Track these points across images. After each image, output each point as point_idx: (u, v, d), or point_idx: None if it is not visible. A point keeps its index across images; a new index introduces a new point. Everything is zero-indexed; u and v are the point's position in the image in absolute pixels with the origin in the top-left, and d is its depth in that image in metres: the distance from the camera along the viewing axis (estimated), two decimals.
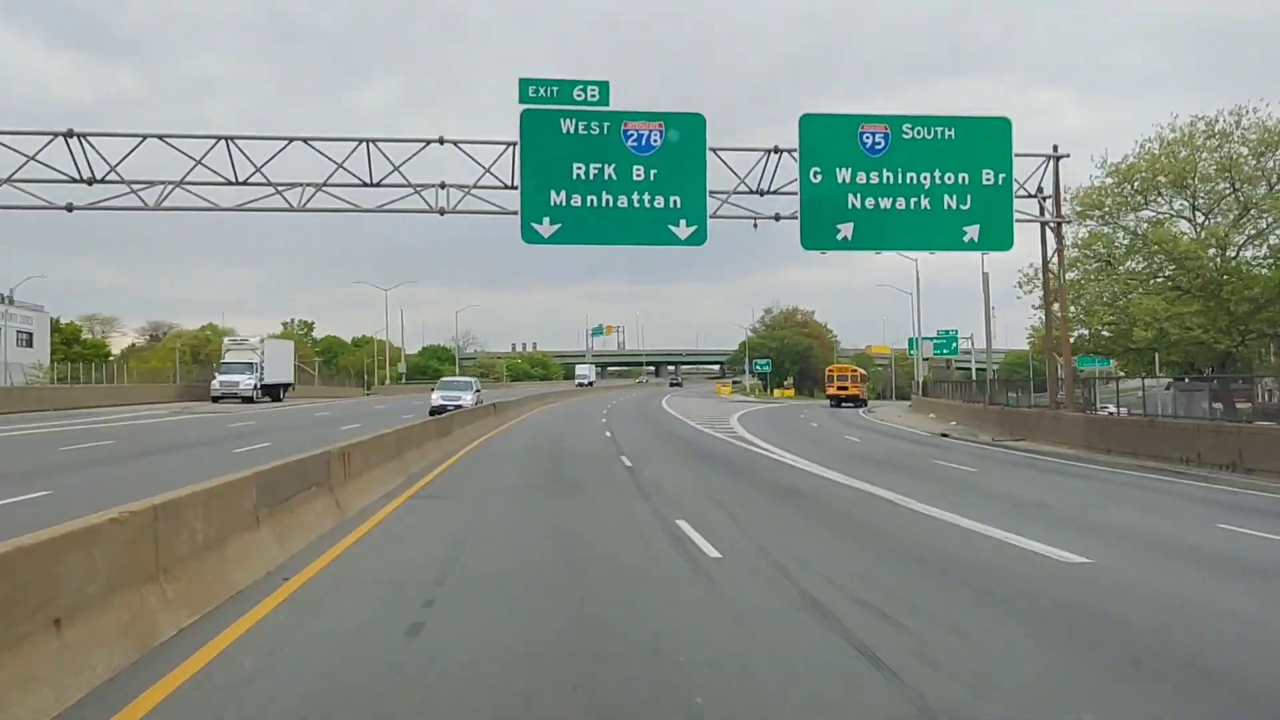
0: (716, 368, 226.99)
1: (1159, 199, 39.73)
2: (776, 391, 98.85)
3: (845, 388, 74.41)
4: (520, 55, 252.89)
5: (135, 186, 25.94)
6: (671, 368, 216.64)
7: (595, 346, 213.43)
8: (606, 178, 25.86)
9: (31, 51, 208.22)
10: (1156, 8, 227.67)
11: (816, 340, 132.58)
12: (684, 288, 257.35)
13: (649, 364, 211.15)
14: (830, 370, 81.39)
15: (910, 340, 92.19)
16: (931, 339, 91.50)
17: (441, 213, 27.64)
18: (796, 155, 26.59)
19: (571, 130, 26.09)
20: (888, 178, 26.48)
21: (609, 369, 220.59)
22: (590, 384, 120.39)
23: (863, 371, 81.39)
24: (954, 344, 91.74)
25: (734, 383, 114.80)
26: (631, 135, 25.91)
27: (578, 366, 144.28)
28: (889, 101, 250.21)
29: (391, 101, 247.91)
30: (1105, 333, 42.86)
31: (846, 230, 26.35)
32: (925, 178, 26.53)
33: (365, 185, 26.93)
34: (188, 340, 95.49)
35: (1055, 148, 30.87)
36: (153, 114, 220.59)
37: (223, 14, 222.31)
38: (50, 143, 25.09)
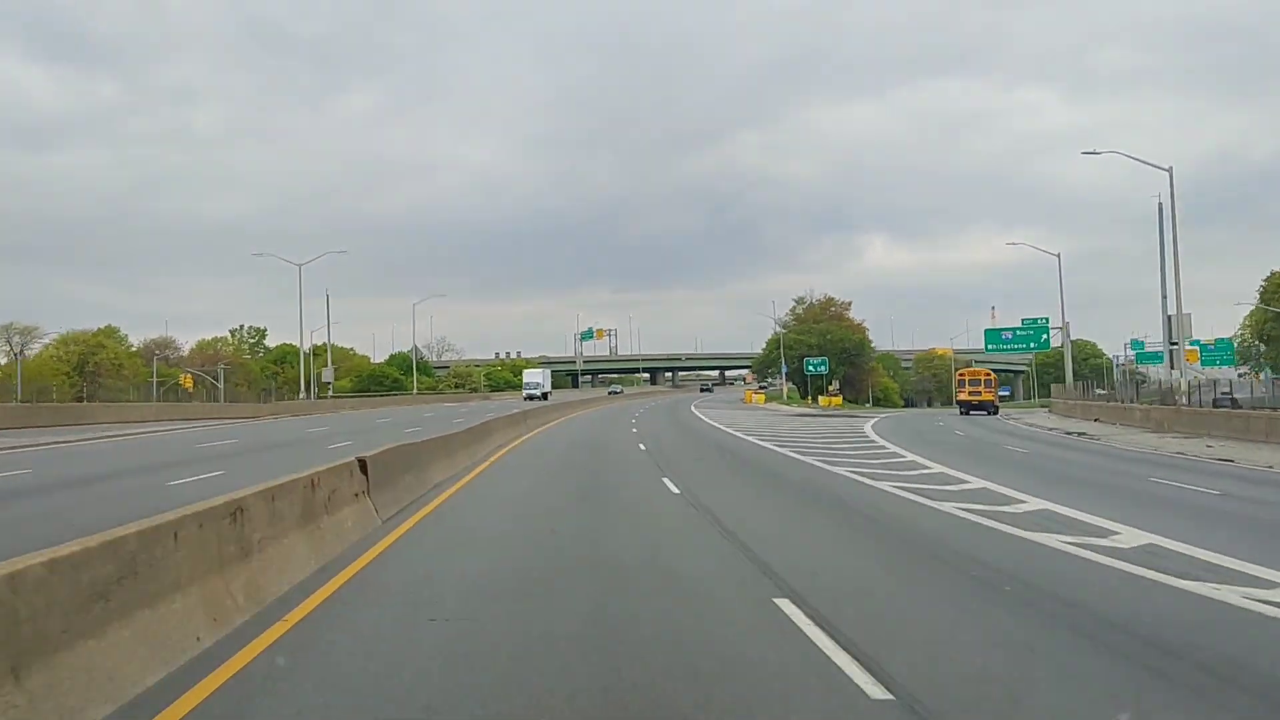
0: (716, 373, 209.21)
1: None
2: (821, 399, 79.39)
3: (978, 393, 67.12)
4: (504, 61, 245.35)
5: None
6: (669, 374, 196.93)
7: (585, 351, 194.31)
8: None
9: (6, 61, 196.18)
10: (1142, 5, 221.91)
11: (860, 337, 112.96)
12: (673, 295, 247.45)
13: (645, 369, 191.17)
14: (961, 374, 73.56)
15: (989, 334, 73.90)
16: (1013, 333, 72.99)
17: None
18: None
19: None
20: None
21: (600, 376, 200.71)
22: (544, 396, 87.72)
23: (994, 375, 73.17)
24: (1045, 336, 73.37)
25: (761, 387, 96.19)
26: None
27: (526, 373, 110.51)
28: (874, 103, 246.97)
29: (374, 108, 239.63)
30: None
31: None
32: None
33: None
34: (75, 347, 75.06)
35: None
36: (134, 123, 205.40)
37: (201, 22, 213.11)
38: None
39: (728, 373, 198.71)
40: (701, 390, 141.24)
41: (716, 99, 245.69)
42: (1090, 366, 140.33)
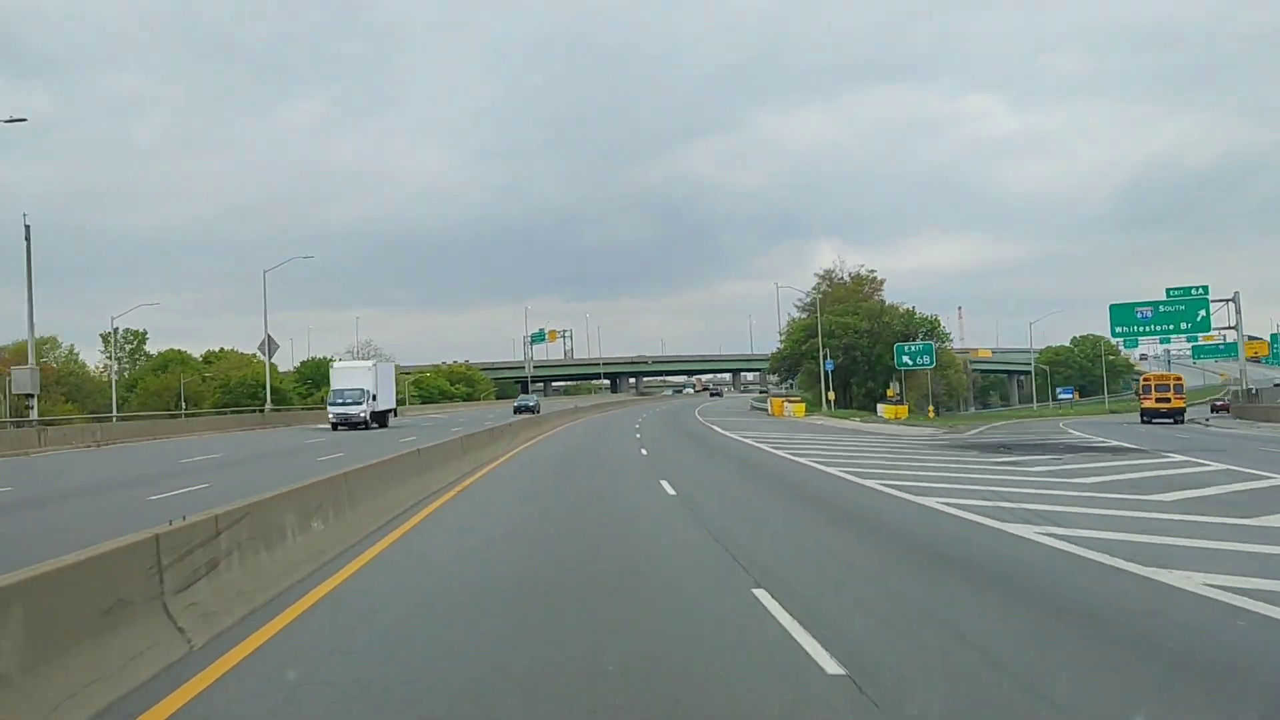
0: (683, 378, 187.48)
1: None
2: (885, 408, 55.12)
3: (1167, 399, 53.74)
4: (454, 69, 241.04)
5: None
6: (633, 380, 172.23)
7: (536, 356, 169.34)
8: None
9: None
10: (1086, 13, 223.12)
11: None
12: (626, 304, 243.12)
13: (605, 375, 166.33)
14: (1146, 379, 60.79)
15: (1118, 311, 50.40)
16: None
17: None
18: None
19: None
20: None
21: (554, 383, 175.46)
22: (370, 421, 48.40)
23: (1183, 380, 60.11)
24: (1202, 313, 50.34)
25: (764, 392, 73.37)
26: None
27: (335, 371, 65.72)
28: (825, 109, 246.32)
29: (322, 117, 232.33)
30: None
31: None
32: None
33: None
34: None
35: None
36: (70, 135, 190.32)
37: (141, 30, 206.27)
38: None
39: (703, 376, 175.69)
40: (712, 396, 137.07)
41: (669, 106, 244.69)
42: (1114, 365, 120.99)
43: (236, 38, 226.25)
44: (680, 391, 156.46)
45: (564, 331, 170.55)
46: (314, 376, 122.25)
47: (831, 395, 58.66)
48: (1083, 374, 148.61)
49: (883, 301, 78.87)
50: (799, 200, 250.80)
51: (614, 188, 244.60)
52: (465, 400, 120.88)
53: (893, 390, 61.60)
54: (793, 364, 76.54)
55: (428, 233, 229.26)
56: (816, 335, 63.23)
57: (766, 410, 68.61)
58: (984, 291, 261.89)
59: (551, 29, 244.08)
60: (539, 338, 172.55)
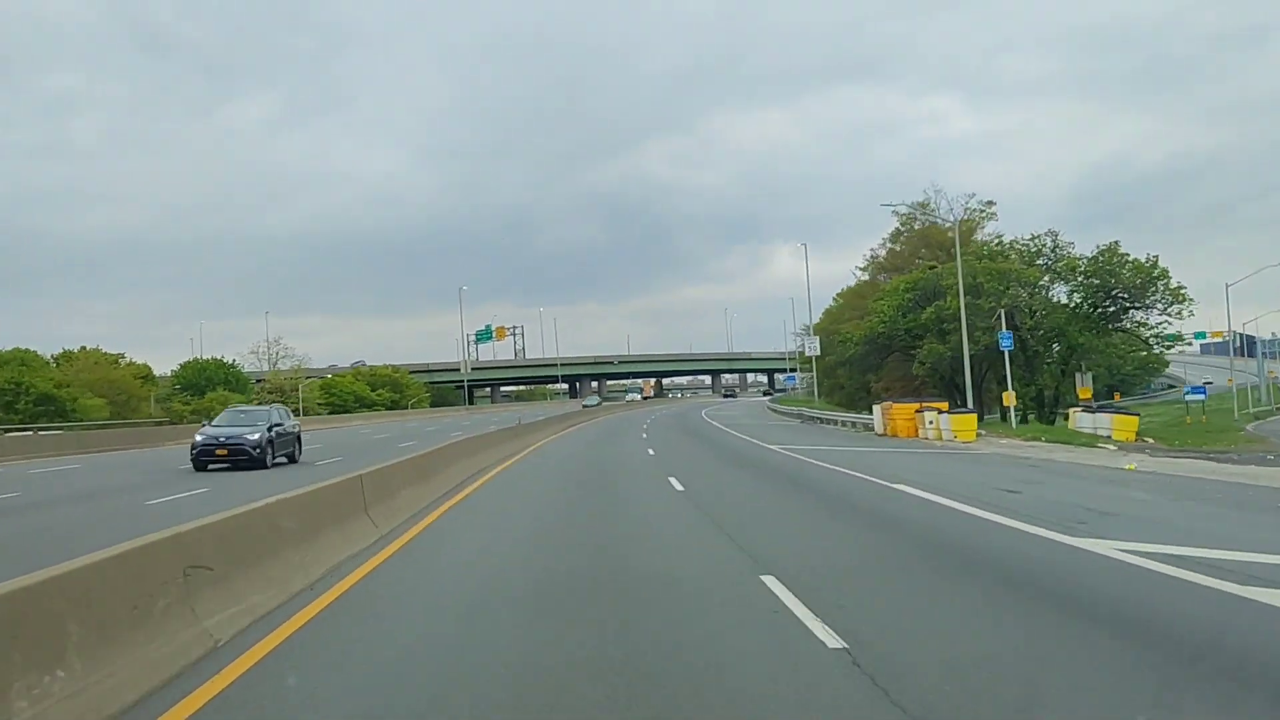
0: (652, 380, 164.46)
1: None
2: (1092, 419, 31.05)
3: None
4: (406, 68, 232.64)
5: None
6: (595, 383, 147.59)
7: (482, 356, 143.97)
8: None
9: None
10: (1044, 14, 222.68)
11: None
12: (582, 309, 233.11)
13: (563, 378, 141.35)
14: None
15: None
16: None
17: None
18: None
19: None
20: None
21: (502, 387, 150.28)
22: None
23: None
24: None
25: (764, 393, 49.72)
26: None
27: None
28: (785, 110, 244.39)
29: (269, 117, 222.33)
30: None
31: None
32: None
33: None
34: None
35: None
36: (6, 135, 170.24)
37: (80, 27, 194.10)
38: None
39: (681, 379, 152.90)
40: (725, 397, 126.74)
41: (626, 107, 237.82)
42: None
43: (179, 34, 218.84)
44: (629, 399, 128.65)
45: (514, 328, 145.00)
46: (197, 382, 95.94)
47: (1011, 399, 34.18)
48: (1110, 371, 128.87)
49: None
50: (757, 202, 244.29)
51: (569, 190, 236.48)
52: (391, 409, 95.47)
53: (1087, 390, 37.70)
54: (879, 350, 49.96)
55: (378, 236, 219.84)
56: (942, 296, 39.08)
57: (838, 424, 44.71)
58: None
59: (505, 27, 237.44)
60: (485, 335, 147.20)
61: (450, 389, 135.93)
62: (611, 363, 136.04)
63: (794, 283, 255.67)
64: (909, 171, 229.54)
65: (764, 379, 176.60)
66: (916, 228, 64.62)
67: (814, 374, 72.61)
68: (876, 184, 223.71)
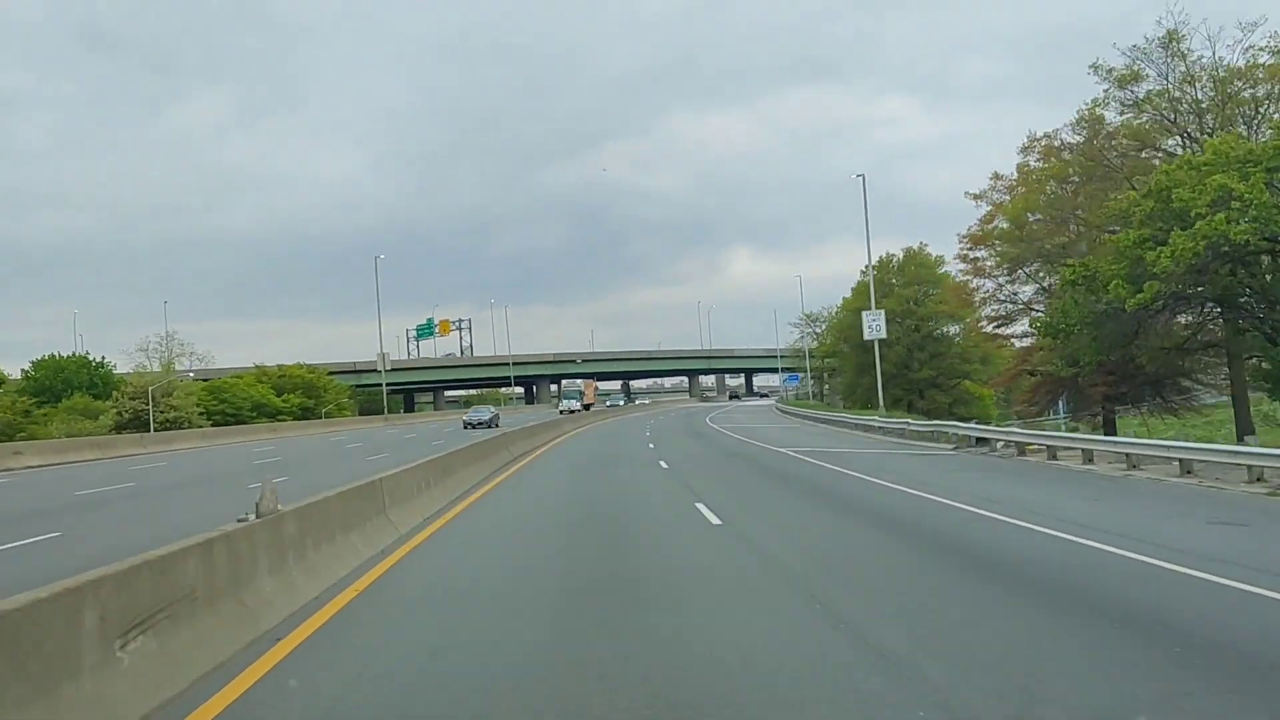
0: (576, 382, 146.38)
1: None
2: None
3: None
4: (362, 66, 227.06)
5: None
6: (555, 386, 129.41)
7: (424, 353, 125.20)
8: None
9: None
10: (1001, 16, 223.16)
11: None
12: (537, 310, 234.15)
13: (517, 380, 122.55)
14: None
15: None
16: None
17: None
18: None
19: None
20: None
21: (447, 391, 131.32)
22: None
23: None
24: None
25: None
26: None
27: None
28: (743, 111, 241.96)
29: (220, 116, 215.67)
30: None
31: None
32: None
33: None
34: None
35: None
36: None
37: (23, 26, 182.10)
38: None
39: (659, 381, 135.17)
40: (731, 398, 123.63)
41: (583, 109, 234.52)
42: None
43: (126, 32, 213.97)
44: (562, 408, 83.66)
45: (459, 322, 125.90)
46: (52, 385, 76.51)
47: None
48: None
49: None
50: (713, 205, 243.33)
51: (527, 192, 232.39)
52: (299, 419, 76.53)
53: None
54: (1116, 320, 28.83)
55: (334, 238, 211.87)
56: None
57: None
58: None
59: (462, 27, 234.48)
60: (426, 330, 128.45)
61: (370, 392, 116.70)
62: (574, 361, 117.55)
63: (752, 286, 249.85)
64: (866, 172, 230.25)
65: (738, 382, 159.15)
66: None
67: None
68: (833, 187, 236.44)
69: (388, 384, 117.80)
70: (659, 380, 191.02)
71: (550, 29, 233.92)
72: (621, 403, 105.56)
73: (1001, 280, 34.78)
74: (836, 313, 70.12)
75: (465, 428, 49.70)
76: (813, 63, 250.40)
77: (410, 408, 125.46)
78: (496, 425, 44.30)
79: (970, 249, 36.40)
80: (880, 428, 35.28)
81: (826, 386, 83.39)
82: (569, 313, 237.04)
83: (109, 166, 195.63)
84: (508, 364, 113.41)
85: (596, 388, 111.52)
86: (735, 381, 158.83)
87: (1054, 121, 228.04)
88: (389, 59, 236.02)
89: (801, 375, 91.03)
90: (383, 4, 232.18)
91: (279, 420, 74.09)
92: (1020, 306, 34.67)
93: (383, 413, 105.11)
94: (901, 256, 60.64)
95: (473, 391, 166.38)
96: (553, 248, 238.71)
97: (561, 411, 72.70)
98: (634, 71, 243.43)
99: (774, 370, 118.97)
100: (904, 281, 60.04)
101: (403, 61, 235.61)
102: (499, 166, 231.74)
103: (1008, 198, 34.67)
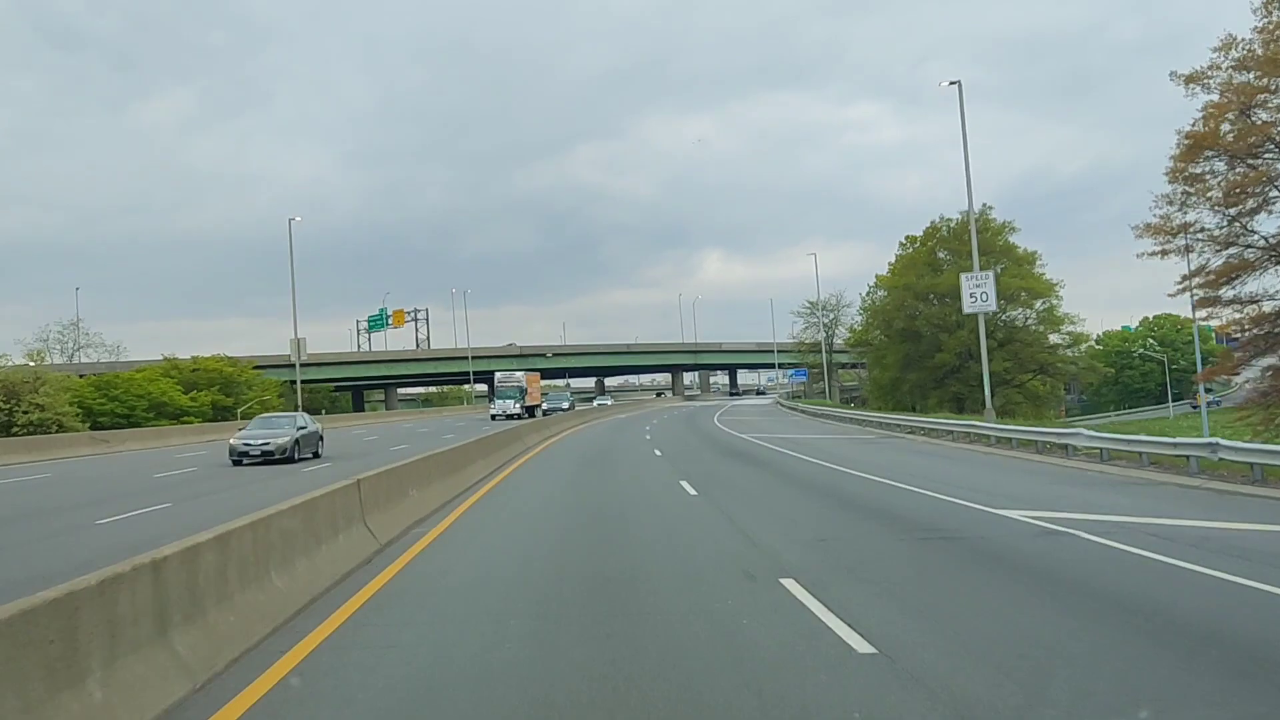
0: (515, 375, 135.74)
1: None
2: None
3: None
4: (330, 65, 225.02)
5: None
6: (517, 384, 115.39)
7: (386, 346, 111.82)
8: None
9: None
10: (971, 21, 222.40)
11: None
12: (507, 311, 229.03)
13: (478, 376, 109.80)
14: None
15: None
16: None
17: None
18: None
19: None
20: None
21: (400, 388, 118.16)
22: None
23: None
24: None
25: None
26: None
27: None
28: (713, 115, 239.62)
29: (184, 114, 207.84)
30: None
31: None
32: None
33: None
34: None
35: None
36: None
37: None
38: None
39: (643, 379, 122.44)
40: (730, 395, 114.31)
41: (554, 111, 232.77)
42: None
43: (90, 28, 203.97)
44: (494, 408, 67.02)
45: (414, 313, 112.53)
46: None
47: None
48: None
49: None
50: (685, 208, 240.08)
51: (497, 194, 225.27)
52: (214, 420, 63.37)
53: None
54: None
55: (302, 238, 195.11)
56: None
57: None
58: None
59: (431, 26, 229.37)
60: (379, 322, 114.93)
61: (326, 390, 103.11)
62: (543, 355, 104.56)
63: (724, 288, 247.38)
64: (836, 177, 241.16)
65: (720, 379, 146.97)
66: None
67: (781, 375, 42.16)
68: (803, 190, 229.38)
69: (335, 380, 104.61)
70: (629, 379, 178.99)
71: (519, 29, 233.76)
72: (609, 402, 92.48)
73: (1230, 215, 22.24)
74: (868, 295, 57.97)
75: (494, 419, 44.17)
76: (783, 68, 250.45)
77: (359, 406, 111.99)
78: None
79: (1184, 169, 23.33)
80: (1002, 437, 23.12)
81: (849, 381, 71.59)
82: (541, 313, 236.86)
83: (73, 165, 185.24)
84: (466, 358, 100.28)
85: (538, 379, 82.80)
86: (719, 379, 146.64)
87: (1014, 126, 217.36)
88: (356, 58, 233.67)
89: (808, 371, 78.91)
90: (351, 3, 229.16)
91: (185, 422, 60.80)
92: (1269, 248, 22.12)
93: (327, 411, 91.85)
94: (958, 221, 48.30)
95: (433, 389, 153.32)
96: (524, 249, 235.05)
97: (494, 416, 57.72)
98: (605, 73, 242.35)
99: (769, 366, 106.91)
100: (966, 253, 47.46)
101: (370, 61, 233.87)
102: (469, 168, 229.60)
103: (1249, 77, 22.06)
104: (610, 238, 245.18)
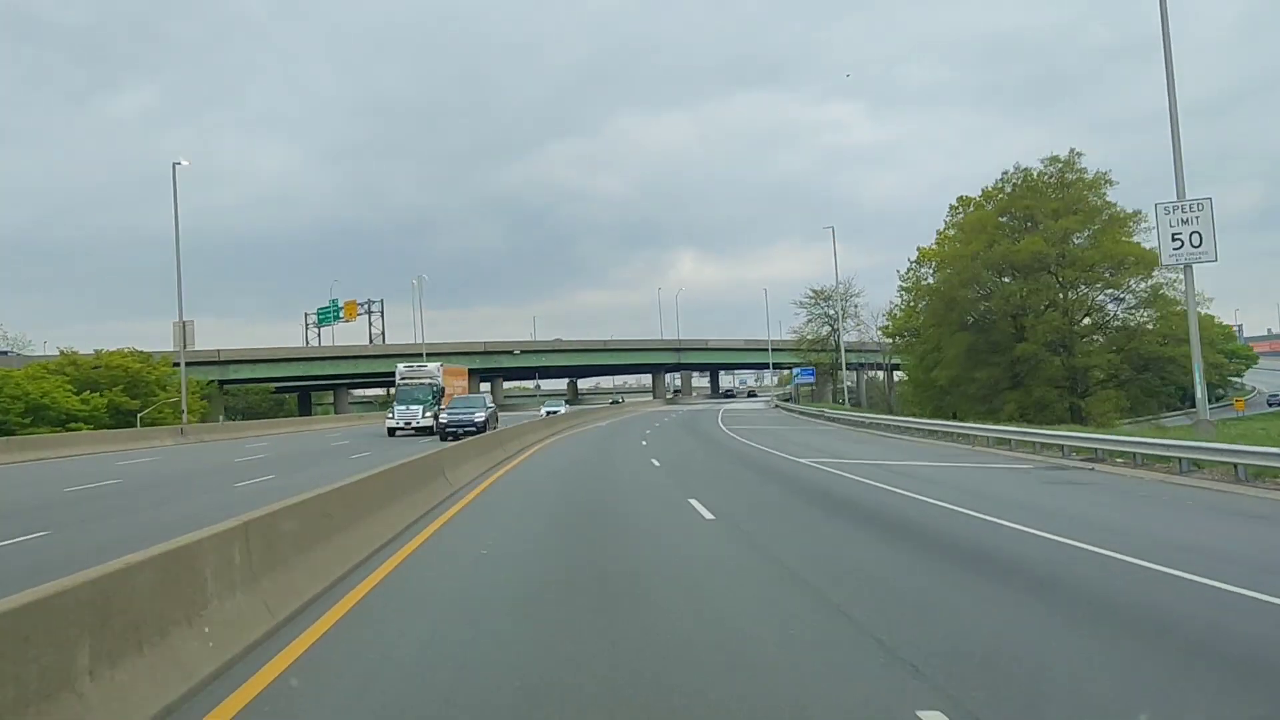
0: (425, 368, 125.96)
1: None
2: None
3: None
4: (298, 61, 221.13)
5: None
6: (487, 384, 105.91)
7: (332, 341, 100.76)
8: None
9: None
10: (944, 23, 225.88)
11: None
12: (479, 312, 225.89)
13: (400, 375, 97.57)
14: None
15: None
16: None
17: None
18: None
19: None
20: None
21: (352, 389, 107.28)
22: None
23: None
24: None
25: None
26: None
27: None
28: (689, 113, 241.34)
29: (150, 108, 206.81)
30: None
31: None
32: None
33: None
34: None
35: None
36: None
37: None
38: None
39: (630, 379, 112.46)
40: (724, 396, 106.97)
41: (528, 108, 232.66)
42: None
43: (53, 20, 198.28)
44: (400, 417, 42.78)
45: (367, 305, 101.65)
46: None
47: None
48: None
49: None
50: (659, 208, 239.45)
51: (470, 192, 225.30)
52: (113, 426, 52.68)
53: None
54: None
55: (270, 236, 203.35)
56: None
57: None
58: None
59: (402, 21, 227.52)
60: (329, 314, 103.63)
61: (265, 391, 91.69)
62: (510, 352, 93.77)
63: (698, 286, 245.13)
64: (811, 177, 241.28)
65: (703, 382, 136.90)
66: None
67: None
68: (778, 190, 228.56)
69: (281, 380, 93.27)
70: (600, 381, 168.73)
71: (492, 24, 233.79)
72: (561, 409, 65.88)
73: None
74: (908, 274, 47.51)
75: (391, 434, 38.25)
76: (759, 67, 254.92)
77: (306, 410, 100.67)
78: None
79: None
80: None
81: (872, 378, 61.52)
82: (512, 314, 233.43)
83: (30, 159, 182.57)
84: (420, 355, 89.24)
85: (465, 374, 60.03)
86: (701, 381, 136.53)
87: (986, 127, 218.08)
88: (325, 53, 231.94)
89: (815, 371, 68.90)
90: None
91: (73, 428, 49.81)
92: None
93: (272, 416, 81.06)
94: (1042, 168, 38.00)
95: (388, 391, 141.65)
96: (495, 247, 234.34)
97: (392, 430, 40.05)
98: (579, 70, 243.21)
99: (762, 366, 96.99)
100: (1049, 211, 37.35)
101: (340, 56, 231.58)
102: (441, 165, 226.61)
103: None
104: (585, 236, 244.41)
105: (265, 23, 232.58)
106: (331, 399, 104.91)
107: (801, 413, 53.84)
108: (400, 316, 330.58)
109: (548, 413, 57.56)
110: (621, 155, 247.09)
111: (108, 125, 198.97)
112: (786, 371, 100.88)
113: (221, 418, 73.86)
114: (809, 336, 70.68)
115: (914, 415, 38.93)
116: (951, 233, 41.97)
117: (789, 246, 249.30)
